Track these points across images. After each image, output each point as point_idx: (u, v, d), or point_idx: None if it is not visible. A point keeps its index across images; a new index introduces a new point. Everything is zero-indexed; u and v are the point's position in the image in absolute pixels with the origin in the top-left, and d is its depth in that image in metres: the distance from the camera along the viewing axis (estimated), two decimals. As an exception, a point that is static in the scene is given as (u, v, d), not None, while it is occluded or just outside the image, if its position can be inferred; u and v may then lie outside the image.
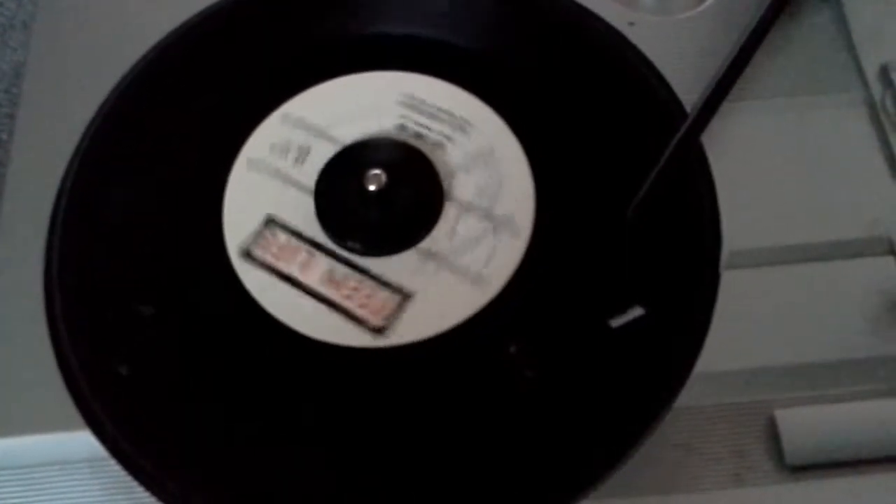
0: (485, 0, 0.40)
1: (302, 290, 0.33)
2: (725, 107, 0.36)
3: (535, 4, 0.39)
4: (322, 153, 0.35)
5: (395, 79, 0.37)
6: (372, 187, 0.33)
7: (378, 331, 0.32)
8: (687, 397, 0.31)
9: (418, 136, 0.36)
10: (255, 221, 0.34)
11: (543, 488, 0.30)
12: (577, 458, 0.30)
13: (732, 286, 0.33)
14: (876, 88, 0.36)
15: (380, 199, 0.34)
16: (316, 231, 0.34)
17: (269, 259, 0.33)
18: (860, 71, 0.37)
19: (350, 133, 0.36)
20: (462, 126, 0.36)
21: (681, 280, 0.33)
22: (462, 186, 0.35)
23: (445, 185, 0.35)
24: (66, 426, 0.31)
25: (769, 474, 0.30)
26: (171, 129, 0.37)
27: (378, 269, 0.33)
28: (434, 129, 0.36)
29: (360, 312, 0.32)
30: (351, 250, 0.34)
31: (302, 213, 0.34)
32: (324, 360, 0.32)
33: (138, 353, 0.32)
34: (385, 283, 0.33)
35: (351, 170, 0.34)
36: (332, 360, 0.32)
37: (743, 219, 0.34)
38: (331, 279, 0.33)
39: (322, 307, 0.33)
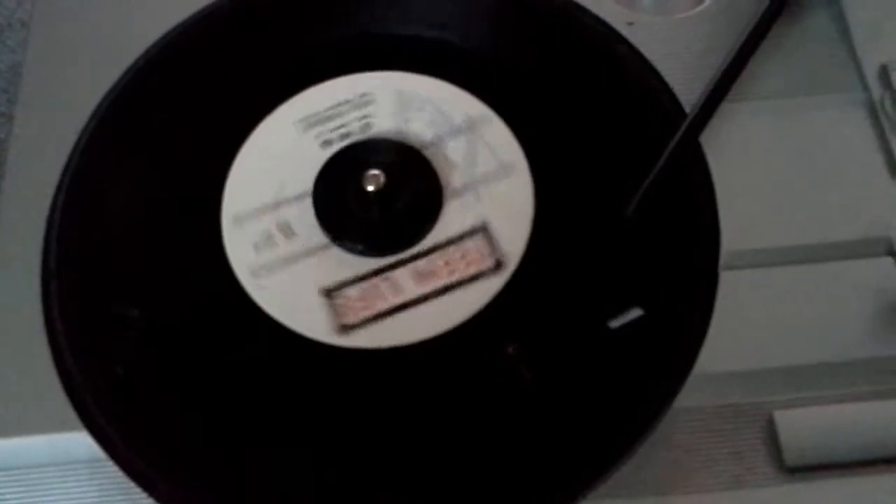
0: (483, 0, 0.40)
1: (410, 307, 0.32)
2: (724, 107, 0.36)
3: (534, 4, 0.39)
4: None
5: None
6: (370, 188, 0.33)
7: (500, 265, 0.32)
8: (686, 398, 0.31)
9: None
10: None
11: (542, 489, 0.30)
12: (575, 459, 0.30)
13: (731, 287, 0.33)
14: (875, 89, 0.36)
15: (379, 200, 0.34)
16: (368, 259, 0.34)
17: (364, 314, 0.32)
18: (859, 71, 0.37)
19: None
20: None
21: (679, 281, 0.33)
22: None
23: (444, 184, 0.35)
24: (63, 427, 0.31)
25: (768, 475, 0.30)
26: (170, 128, 0.37)
27: (427, 243, 0.33)
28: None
29: (473, 270, 0.32)
30: (351, 251, 0.34)
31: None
32: (322, 361, 0.32)
33: (135, 355, 0.32)
34: (457, 238, 0.33)
35: (349, 171, 0.34)
36: (330, 360, 0.32)
37: (741, 219, 0.34)
38: (420, 277, 0.33)
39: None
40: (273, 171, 0.35)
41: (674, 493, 0.30)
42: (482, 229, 0.33)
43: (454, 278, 0.33)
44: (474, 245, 0.33)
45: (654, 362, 0.31)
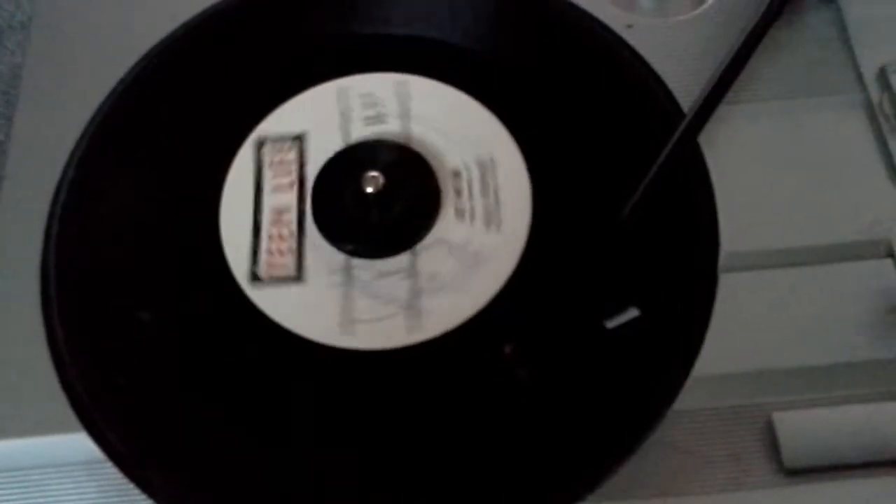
0: (483, 2, 0.40)
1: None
2: (723, 109, 0.36)
3: (534, 6, 0.39)
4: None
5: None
6: (369, 189, 0.33)
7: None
8: (685, 400, 0.31)
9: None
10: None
11: (541, 491, 0.30)
12: (574, 461, 0.30)
13: (730, 288, 0.33)
14: (874, 90, 0.36)
15: (377, 202, 0.34)
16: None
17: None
18: (858, 73, 0.37)
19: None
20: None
21: (678, 282, 0.33)
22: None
23: (442, 186, 0.35)
24: (62, 429, 0.31)
25: (767, 477, 0.30)
26: (169, 131, 0.37)
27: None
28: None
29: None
30: (348, 253, 0.34)
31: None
32: (321, 363, 0.32)
33: (135, 357, 0.32)
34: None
35: (348, 172, 0.34)
36: (329, 362, 0.32)
37: (740, 221, 0.34)
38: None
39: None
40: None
41: (672, 494, 0.30)
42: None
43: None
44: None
45: (654, 364, 0.31)
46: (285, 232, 0.34)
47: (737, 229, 0.34)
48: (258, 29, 0.39)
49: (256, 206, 0.35)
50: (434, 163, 0.35)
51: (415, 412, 0.31)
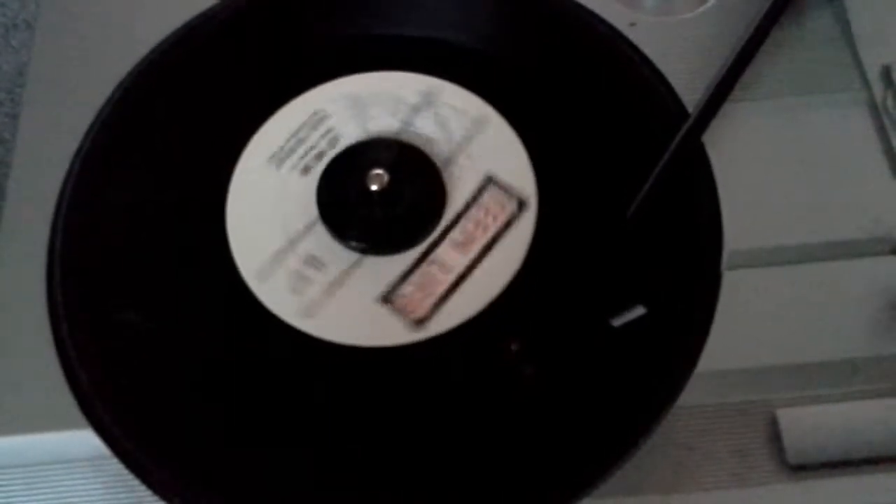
0: (486, 1, 0.40)
1: (465, 275, 0.33)
2: (727, 107, 0.36)
3: (537, 5, 0.39)
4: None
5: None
6: (374, 187, 0.34)
7: (523, 204, 0.33)
8: (688, 396, 0.31)
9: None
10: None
11: (545, 487, 0.30)
12: (578, 457, 0.30)
13: (734, 286, 0.33)
14: (877, 88, 0.36)
15: (382, 199, 0.34)
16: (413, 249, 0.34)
17: (430, 302, 0.33)
18: (862, 71, 0.37)
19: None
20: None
21: (682, 279, 0.33)
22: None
23: (447, 184, 0.35)
24: (68, 425, 0.31)
25: (770, 474, 0.30)
26: (174, 129, 0.37)
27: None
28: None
29: (502, 219, 0.33)
30: (354, 249, 0.34)
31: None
32: (325, 359, 0.32)
33: (140, 354, 0.32)
34: (473, 199, 0.34)
35: (353, 170, 0.34)
36: (333, 358, 0.32)
37: (744, 218, 0.34)
38: (460, 246, 0.33)
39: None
40: (269, 214, 0.35)
41: (676, 490, 0.30)
42: (490, 181, 0.33)
43: (490, 234, 0.33)
44: (491, 197, 0.33)
45: (658, 360, 0.31)
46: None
47: (741, 227, 0.34)
48: (262, 29, 0.39)
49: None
50: (438, 160, 0.35)
51: (417, 409, 0.31)
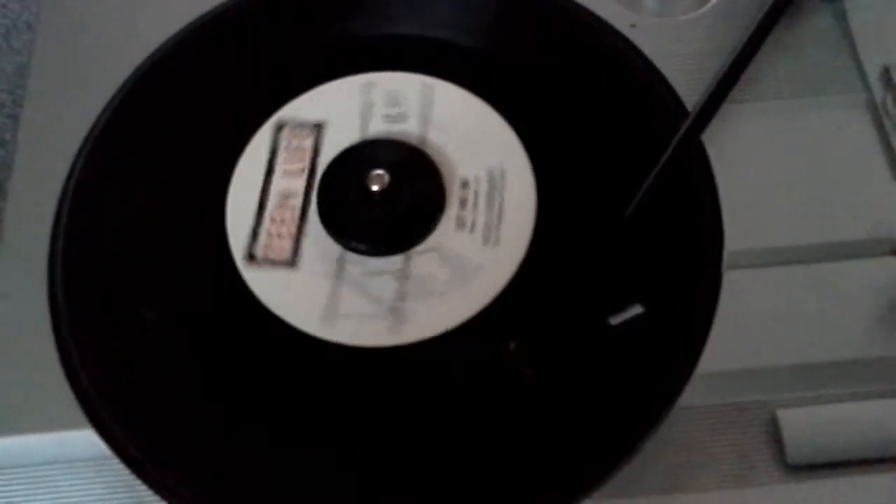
0: (487, 1, 0.40)
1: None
2: (727, 108, 0.36)
3: (537, 6, 0.39)
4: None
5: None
6: (375, 187, 0.34)
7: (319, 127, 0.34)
8: (689, 397, 0.31)
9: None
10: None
11: (546, 488, 0.30)
12: (579, 458, 0.30)
13: (734, 286, 0.33)
14: (877, 90, 0.36)
15: (383, 199, 0.34)
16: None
17: (286, 244, 0.33)
18: (862, 72, 0.37)
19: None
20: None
21: (683, 280, 0.33)
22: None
23: (447, 184, 0.35)
24: (70, 425, 0.31)
25: (771, 474, 0.30)
26: (175, 130, 0.37)
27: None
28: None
29: (309, 143, 0.34)
30: (354, 251, 0.34)
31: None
32: (326, 360, 0.32)
33: (142, 354, 0.32)
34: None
35: (353, 170, 0.34)
36: (334, 359, 0.32)
37: (744, 219, 0.34)
38: (289, 173, 0.34)
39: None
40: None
41: (677, 491, 0.30)
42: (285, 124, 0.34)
43: (308, 157, 0.34)
44: (289, 132, 0.35)
45: (658, 361, 0.31)
46: (287, 216, 0.34)
47: (741, 227, 0.34)
48: (264, 29, 0.39)
49: (264, 188, 0.35)
50: (444, 169, 0.35)
51: (417, 409, 0.31)
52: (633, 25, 0.38)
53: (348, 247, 0.34)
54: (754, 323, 0.32)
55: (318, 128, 0.36)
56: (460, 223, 0.34)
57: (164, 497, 0.30)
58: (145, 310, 0.33)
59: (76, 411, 0.31)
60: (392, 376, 0.32)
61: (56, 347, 0.32)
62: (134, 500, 0.30)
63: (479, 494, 0.30)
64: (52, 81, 0.38)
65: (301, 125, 0.36)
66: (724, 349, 0.32)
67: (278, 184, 0.35)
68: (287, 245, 0.34)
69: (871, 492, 0.30)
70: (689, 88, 0.36)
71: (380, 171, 0.34)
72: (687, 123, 0.35)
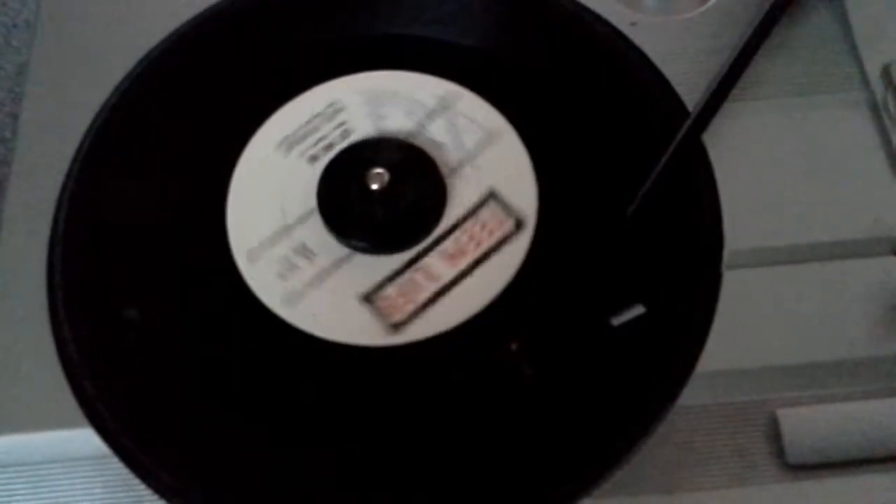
0: (487, 1, 0.40)
1: (449, 290, 0.33)
2: (727, 106, 0.36)
3: (538, 4, 0.39)
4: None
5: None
6: (375, 186, 0.34)
7: (521, 224, 0.33)
8: (688, 396, 0.31)
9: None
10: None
11: (545, 487, 0.30)
12: (578, 457, 0.30)
13: (734, 285, 0.33)
14: (878, 88, 0.36)
15: (383, 198, 0.34)
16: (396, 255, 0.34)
17: (409, 308, 0.33)
18: (862, 71, 0.37)
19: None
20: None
21: (682, 279, 0.33)
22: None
23: (448, 183, 0.35)
24: (69, 424, 0.31)
25: (771, 473, 0.30)
26: (175, 128, 0.37)
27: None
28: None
29: (497, 236, 0.33)
30: (355, 249, 0.34)
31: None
32: (325, 359, 0.32)
33: (142, 352, 0.32)
34: (471, 213, 0.34)
35: (354, 169, 0.34)
36: (333, 358, 0.32)
37: (744, 218, 0.34)
38: (450, 257, 0.33)
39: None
40: (270, 197, 0.35)
41: (676, 490, 0.30)
42: (491, 196, 0.33)
43: (482, 249, 0.33)
44: (489, 213, 0.33)
45: (658, 360, 0.31)
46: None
47: (741, 226, 0.34)
48: (262, 27, 0.39)
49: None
50: (439, 159, 0.35)
51: (419, 409, 0.31)
52: (633, 24, 0.38)
53: (348, 244, 0.34)
54: (754, 322, 0.32)
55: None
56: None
57: (163, 496, 0.30)
58: (145, 308, 0.33)
59: (75, 410, 0.31)
60: (391, 376, 0.32)
61: (55, 346, 0.32)
62: (133, 498, 0.30)
63: (479, 494, 0.30)
64: (51, 80, 0.38)
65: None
66: (724, 348, 0.32)
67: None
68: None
69: (871, 491, 0.30)
70: (690, 87, 0.36)
71: (380, 170, 0.34)
72: (687, 123, 0.35)
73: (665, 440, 0.30)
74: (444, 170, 0.35)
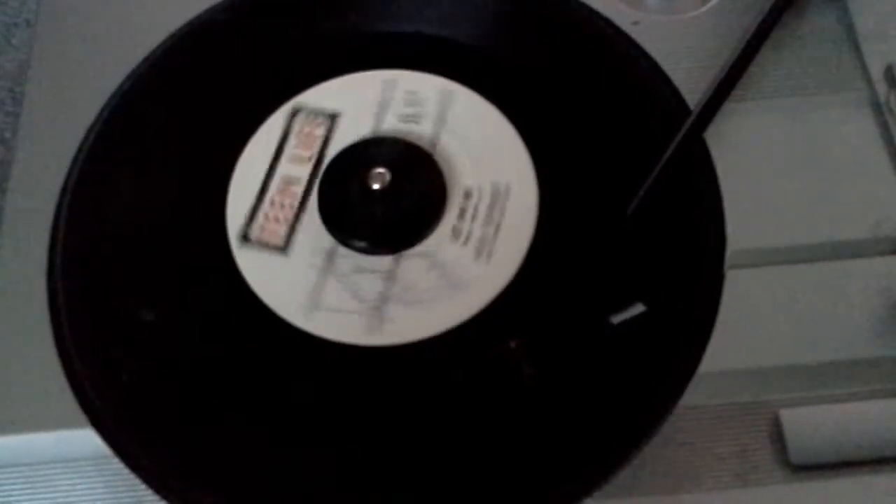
0: (490, 1, 0.40)
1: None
2: (729, 106, 0.36)
3: (540, 4, 0.39)
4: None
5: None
6: (376, 186, 0.33)
7: (334, 117, 0.34)
8: (691, 397, 0.31)
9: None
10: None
11: (548, 488, 0.30)
12: (580, 458, 0.30)
13: (737, 285, 0.33)
14: (881, 88, 0.36)
15: (383, 198, 0.34)
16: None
17: (283, 230, 0.33)
18: (865, 70, 0.37)
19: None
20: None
21: (685, 279, 0.33)
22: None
23: (449, 183, 0.35)
24: (70, 424, 0.31)
25: (774, 474, 0.30)
26: (175, 128, 0.37)
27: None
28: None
29: (320, 134, 0.34)
30: (356, 249, 0.34)
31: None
32: (327, 359, 0.32)
33: (142, 352, 0.32)
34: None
35: (354, 168, 0.34)
36: (335, 358, 0.32)
37: (747, 218, 0.34)
38: (296, 160, 0.34)
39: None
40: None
41: (679, 491, 0.30)
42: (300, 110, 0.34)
43: (317, 145, 0.34)
44: (302, 122, 0.35)
45: (660, 360, 0.31)
46: (287, 202, 0.34)
47: (743, 226, 0.34)
48: (263, 26, 0.39)
49: (270, 170, 0.35)
50: (449, 176, 0.35)
51: (420, 409, 0.31)
52: (635, 23, 0.38)
53: (342, 241, 0.34)
54: (757, 322, 0.32)
55: (332, 118, 0.36)
56: (456, 233, 0.34)
57: (163, 496, 0.30)
58: (145, 308, 0.33)
59: (76, 410, 0.31)
60: (396, 376, 0.32)
61: (55, 346, 0.32)
62: (133, 499, 0.30)
63: (480, 494, 0.30)
64: (51, 79, 0.38)
65: (316, 113, 0.36)
66: (726, 348, 0.31)
67: (284, 168, 0.35)
68: (282, 230, 0.34)
69: (875, 492, 0.30)
70: (692, 86, 0.36)
71: (382, 170, 0.34)
72: (689, 122, 0.35)
73: (667, 440, 0.30)
74: (442, 166, 0.35)
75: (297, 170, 0.35)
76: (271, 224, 0.34)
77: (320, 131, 0.36)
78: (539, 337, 0.32)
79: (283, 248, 0.34)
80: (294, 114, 0.36)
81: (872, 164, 0.35)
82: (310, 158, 0.35)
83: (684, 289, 0.33)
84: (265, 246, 0.34)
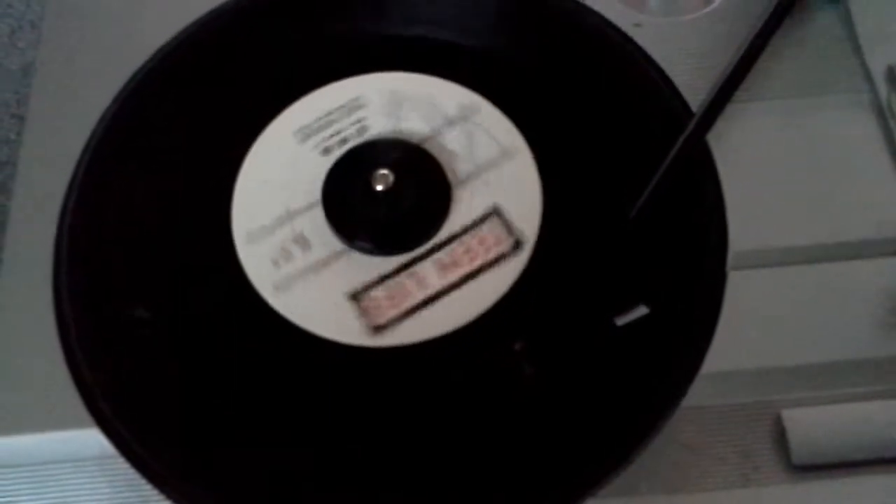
0: (491, 1, 0.40)
1: (437, 299, 0.33)
2: (732, 107, 0.36)
3: (541, 5, 0.39)
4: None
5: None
6: (379, 187, 0.34)
7: (519, 244, 0.33)
8: (693, 397, 0.31)
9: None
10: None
11: (550, 488, 0.30)
12: (583, 458, 0.30)
13: (739, 286, 0.33)
14: (882, 89, 0.36)
15: (387, 199, 0.34)
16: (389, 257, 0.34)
17: (393, 313, 0.33)
18: (866, 72, 0.37)
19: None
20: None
21: (687, 280, 0.33)
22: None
23: (452, 184, 0.35)
24: (75, 424, 0.31)
25: (776, 474, 0.30)
26: (180, 129, 0.37)
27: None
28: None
29: (494, 253, 0.33)
30: (361, 250, 0.34)
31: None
32: (331, 360, 0.32)
33: (147, 352, 0.32)
34: (472, 226, 0.34)
35: (358, 170, 0.34)
36: (338, 359, 0.32)
37: (749, 219, 0.34)
38: (443, 268, 0.33)
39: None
40: (278, 184, 0.35)
41: (681, 491, 0.30)
42: (495, 212, 0.33)
43: (476, 264, 0.33)
44: (489, 229, 0.33)
45: (663, 361, 0.31)
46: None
47: (745, 227, 0.34)
48: (267, 28, 0.39)
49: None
50: (443, 160, 0.35)
51: (422, 409, 0.31)
52: (637, 25, 0.38)
53: (350, 244, 0.34)
54: (759, 323, 0.32)
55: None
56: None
57: (168, 496, 0.30)
58: (150, 308, 0.33)
59: (81, 410, 0.31)
60: (398, 376, 0.32)
61: (61, 346, 0.32)
62: (139, 498, 0.30)
63: (481, 494, 0.30)
64: (56, 81, 0.38)
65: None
66: (728, 349, 0.32)
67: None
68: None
69: (876, 492, 0.30)
70: (694, 88, 0.36)
71: (384, 171, 0.34)
72: (692, 123, 0.35)
73: (669, 441, 0.30)
74: (452, 179, 0.35)
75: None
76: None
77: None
78: (541, 337, 0.32)
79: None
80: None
81: (874, 166, 0.35)
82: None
83: (686, 290, 0.33)
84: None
